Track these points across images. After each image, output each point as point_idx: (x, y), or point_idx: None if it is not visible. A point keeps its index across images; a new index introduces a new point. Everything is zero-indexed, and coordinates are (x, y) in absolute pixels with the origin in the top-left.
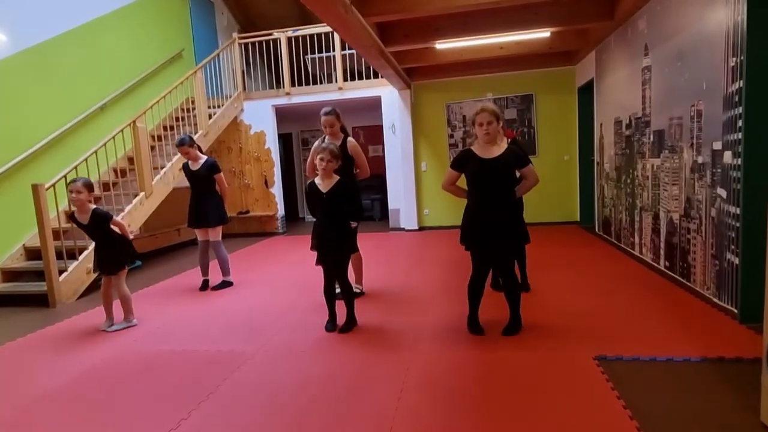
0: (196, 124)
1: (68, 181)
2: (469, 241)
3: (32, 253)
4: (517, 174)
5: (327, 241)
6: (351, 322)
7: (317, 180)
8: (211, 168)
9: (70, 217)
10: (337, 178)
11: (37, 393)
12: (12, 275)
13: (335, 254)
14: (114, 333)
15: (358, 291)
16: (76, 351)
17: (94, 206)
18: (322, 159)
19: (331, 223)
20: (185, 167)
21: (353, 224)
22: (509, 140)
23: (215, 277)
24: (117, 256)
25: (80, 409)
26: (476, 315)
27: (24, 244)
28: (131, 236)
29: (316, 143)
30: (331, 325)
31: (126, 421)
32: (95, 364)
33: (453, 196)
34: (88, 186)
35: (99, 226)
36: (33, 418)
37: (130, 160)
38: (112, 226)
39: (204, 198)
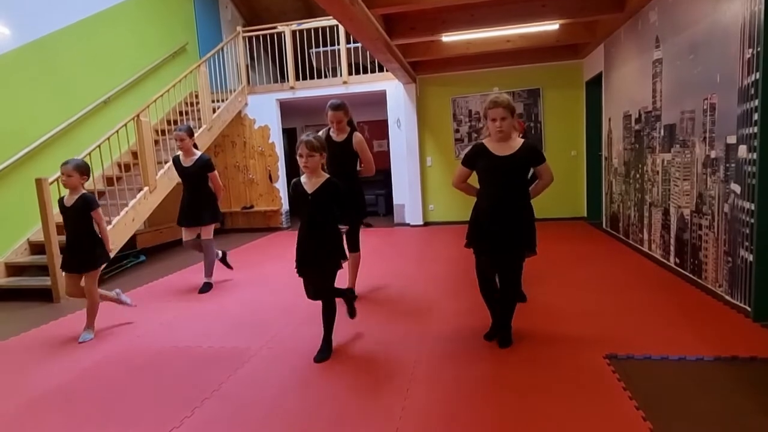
0: (200, 119)
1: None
2: (476, 243)
3: (36, 248)
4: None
5: (309, 248)
6: (327, 349)
7: (303, 178)
8: (204, 166)
9: (59, 202)
10: (325, 176)
11: (40, 389)
12: (16, 270)
13: (319, 264)
14: (116, 330)
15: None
16: (79, 347)
17: (85, 191)
18: (300, 155)
19: (315, 228)
20: (176, 162)
21: (342, 228)
22: (521, 134)
23: (200, 276)
24: (93, 251)
25: (83, 405)
26: (495, 321)
27: (28, 239)
28: (109, 246)
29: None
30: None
31: (129, 418)
32: (98, 360)
33: (459, 192)
34: (80, 169)
35: (81, 211)
36: (36, 414)
37: (134, 154)
38: (94, 220)
39: (195, 196)
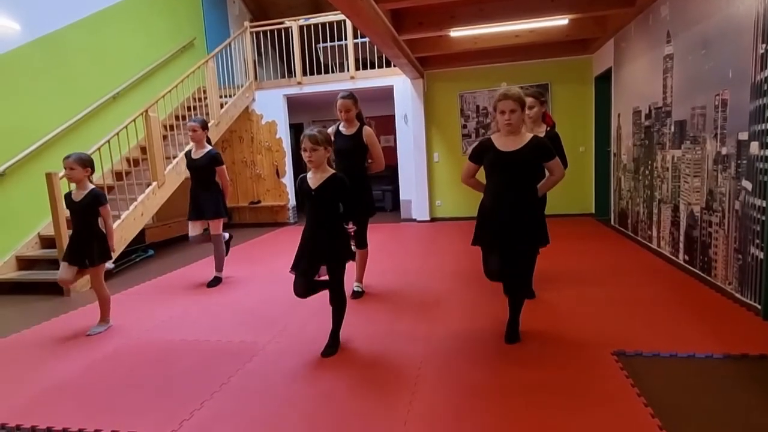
0: (207, 114)
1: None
2: (482, 242)
3: (47, 242)
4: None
5: (315, 247)
6: (335, 345)
7: (309, 174)
8: (213, 159)
9: (66, 197)
10: (330, 172)
11: (51, 381)
12: (27, 263)
13: (328, 260)
14: (125, 324)
15: (360, 290)
16: (88, 340)
17: (93, 186)
18: (304, 149)
19: (320, 225)
20: (187, 155)
21: (349, 227)
22: (548, 128)
23: (208, 271)
24: (97, 247)
25: (93, 397)
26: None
27: (39, 233)
28: (113, 245)
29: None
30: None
31: (139, 410)
32: (107, 353)
33: (467, 188)
34: (82, 161)
35: (90, 206)
36: (46, 406)
37: (143, 149)
38: (101, 216)
39: (202, 190)
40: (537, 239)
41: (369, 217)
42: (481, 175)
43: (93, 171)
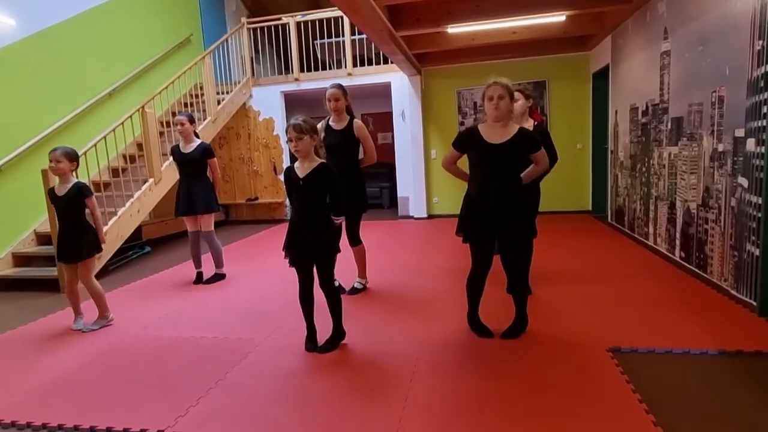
0: (204, 110)
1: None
2: (467, 232)
3: (43, 238)
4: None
5: (302, 239)
6: (337, 337)
7: (296, 164)
8: (206, 152)
9: (49, 192)
10: (318, 161)
11: (47, 377)
12: (23, 260)
13: (314, 255)
14: (121, 320)
15: (360, 286)
16: (84, 336)
17: (77, 180)
18: (290, 139)
19: (307, 216)
20: (175, 150)
21: (337, 220)
22: (536, 123)
23: (210, 268)
24: (85, 241)
25: (89, 394)
26: (476, 313)
27: (35, 229)
28: (102, 236)
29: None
30: (311, 344)
31: (134, 407)
32: (104, 350)
33: (463, 183)
34: (69, 155)
35: (75, 200)
36: (42, 402)
37: (139, 146)
38: (88, 208)
39: (194, 184)
40: (524, 226)
41: (362, 213)
42: (462, 164)
43: (78, 166)
